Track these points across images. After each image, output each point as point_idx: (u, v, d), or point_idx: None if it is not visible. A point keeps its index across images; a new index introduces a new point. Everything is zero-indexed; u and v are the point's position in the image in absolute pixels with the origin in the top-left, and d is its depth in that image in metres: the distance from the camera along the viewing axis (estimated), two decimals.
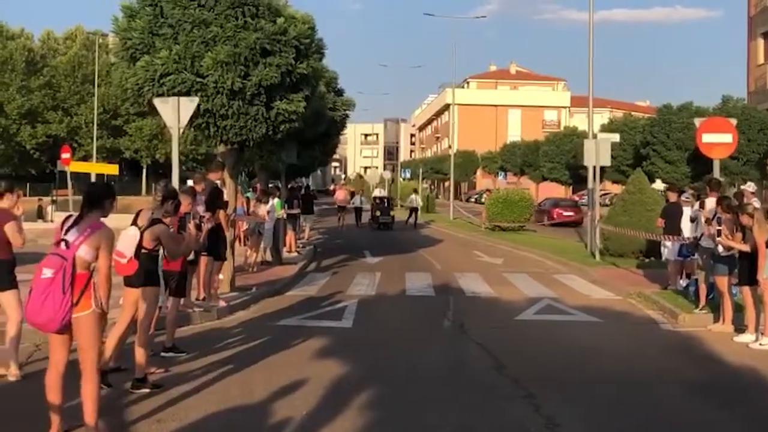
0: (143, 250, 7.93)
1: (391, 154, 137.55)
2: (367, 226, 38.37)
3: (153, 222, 8.10)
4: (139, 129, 66.74)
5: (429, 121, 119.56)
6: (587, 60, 24.05)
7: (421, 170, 63.85)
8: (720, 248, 11.63)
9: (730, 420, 7.30)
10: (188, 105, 12.90)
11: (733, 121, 14.43)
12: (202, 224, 10.67)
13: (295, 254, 22.98)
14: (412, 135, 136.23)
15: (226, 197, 13.58)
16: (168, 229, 8.28)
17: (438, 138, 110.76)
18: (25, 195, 59.60)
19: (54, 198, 42.81)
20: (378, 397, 7.68)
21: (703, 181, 34.14)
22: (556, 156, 55.00)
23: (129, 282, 7.99)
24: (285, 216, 22.33)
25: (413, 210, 39.92)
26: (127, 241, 7.83)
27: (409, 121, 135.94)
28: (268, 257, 20.20)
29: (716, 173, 13.95)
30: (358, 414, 7.05)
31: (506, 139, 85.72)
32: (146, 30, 13.44)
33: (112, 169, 40.33)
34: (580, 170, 51.58)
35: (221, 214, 12.85)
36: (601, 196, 23.95)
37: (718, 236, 11.26)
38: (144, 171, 70.43)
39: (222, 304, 12.94)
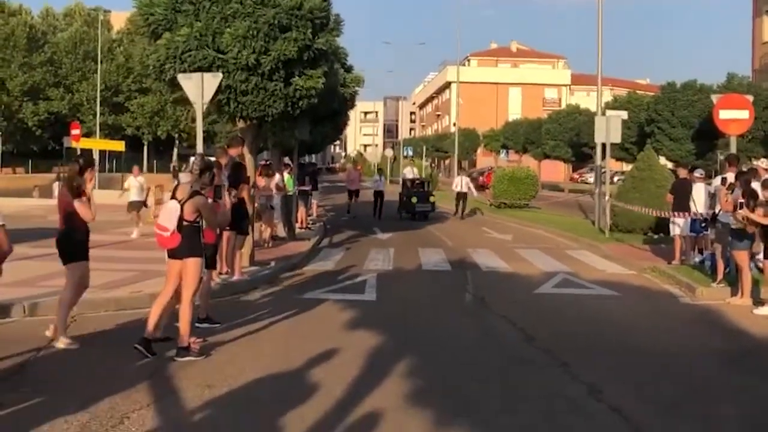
0: (185, 223, 8.09)
1: (390, 131, 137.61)
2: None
3: (193, 194, 8.24)
4: (141, 106, 66.61)
5: (429, 99, 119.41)
6: (595, 37, 24.25)
7: (424, 148, 63.81)
8: (733, 221, 11.81)
9: None
10: (212, 81, 13.00)
11: (750, 98, 14.55)
12: (231, 197, 10.87)
13: (306, 230, 23.14)
14: (412, 113, 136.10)
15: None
16: (207, 201, 8.44)
17: (438, 116, 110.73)
18: (27, 172, 59.80)
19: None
20: (416, 366, 7.83)
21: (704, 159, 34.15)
22: (559, 134, 55.13)
23: (172, 254, 8.15)
24: (297, 192, 22.51)
25: (461, 196, 30.50)
26: (169, 214, 8.04)
27: (409, 98, 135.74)
28: (281, 233, 20.36)
29: (732, 149, 14.11)
30: (401, 382, 7.21)
31: (507, 117, 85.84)
32: (169, 6, 13.51)
33: (119, 146, 40.31)
34: (583, 148, 51.91)
35: (244, 188, 12.97)
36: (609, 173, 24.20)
37: (740, 209, 11.41)
38: (145, 148, 70.42)
39: (245, 277, 13.13)
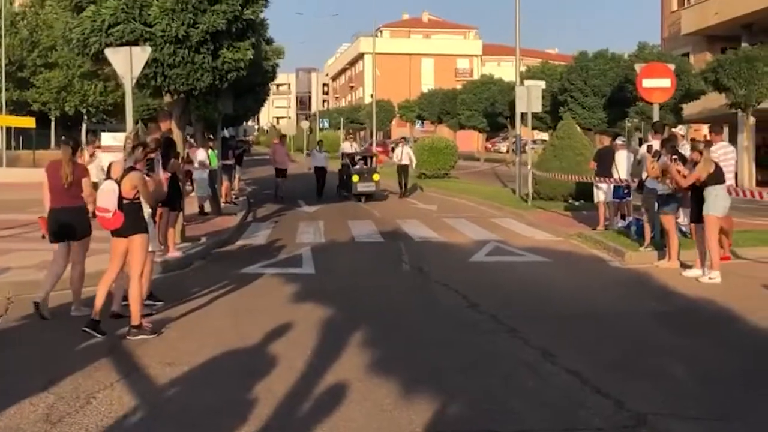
0: (125, 201, 7.96)
1: (303, 104, 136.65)
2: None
3: (128, 170, 8.11)
4: (46, 81, 64.48)
5: (342, 71, 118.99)
6: (508, 8, 24.66)
7: (342, 120, 63.59)
8: (660, 187, 12.23)
9: (708, 346, 7.76)
10: (141, 55, 12.67)
11: (672, 66, 15.00)
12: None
13: (231, 205, 22.94)
14: (325, 85, 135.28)
15: None
16: (143, 176, 8.30)
17: (352, 87, 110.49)
18: None
19: None
20: (371, 337, 7.89)
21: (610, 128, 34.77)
22: (474, 104, 55.50)
23: (117, 232, 8.02)
24: (221, 166, 22.30)
25: (403, 170, 27.51)
26: (107, 195, 7.94)
27: (322, 70, 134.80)
28: (207, 208, 20.19)
29: (655, 117, 14.51)
30: (360, 352, 7.29)
31: (420, 88, 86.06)
32: None
33: (29, 122, 39.02)
34: (498, 118, 52.54)
35: (175, 164, 12.78)
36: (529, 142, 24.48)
37: (664, 175, 11.80)
38: (53, 124, 68.24)
39: (178, 254, 13.01)
